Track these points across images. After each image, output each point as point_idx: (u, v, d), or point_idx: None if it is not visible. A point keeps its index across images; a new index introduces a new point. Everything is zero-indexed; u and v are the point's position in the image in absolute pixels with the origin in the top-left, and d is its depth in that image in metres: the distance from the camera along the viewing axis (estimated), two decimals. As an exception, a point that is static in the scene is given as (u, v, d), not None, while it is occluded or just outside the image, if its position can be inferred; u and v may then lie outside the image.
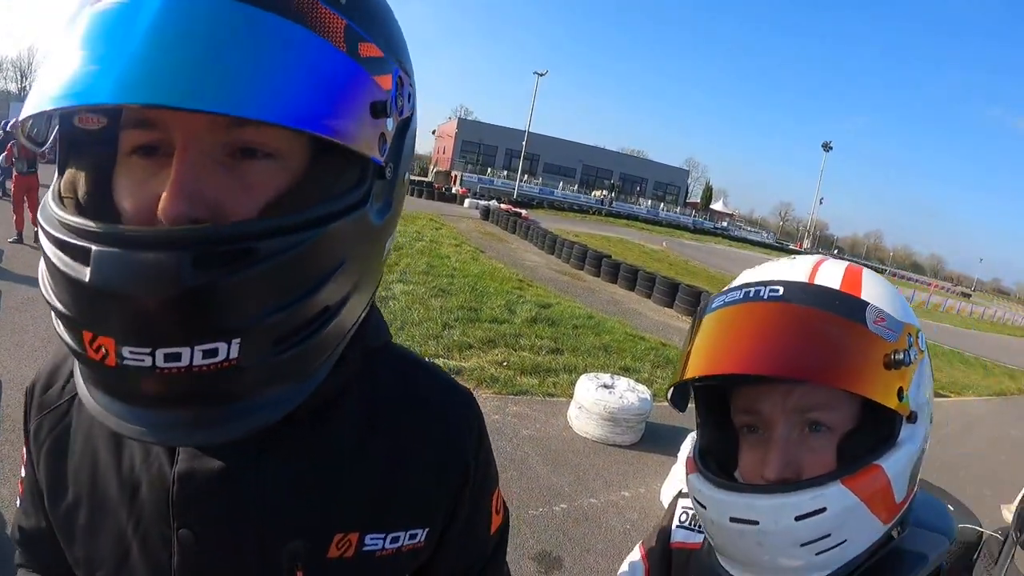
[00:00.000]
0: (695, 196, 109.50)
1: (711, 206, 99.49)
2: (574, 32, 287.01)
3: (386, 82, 0.70)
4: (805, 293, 0.85)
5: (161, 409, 0.64)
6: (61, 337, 0.64)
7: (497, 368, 8.13)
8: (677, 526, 1.17)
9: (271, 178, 0.66)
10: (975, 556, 4.36)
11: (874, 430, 0.85)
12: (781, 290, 0.86)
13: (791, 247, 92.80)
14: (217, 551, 0.78)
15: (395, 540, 0.87)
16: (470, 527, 0.98)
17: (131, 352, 0.58)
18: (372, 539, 0.85)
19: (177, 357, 0.59)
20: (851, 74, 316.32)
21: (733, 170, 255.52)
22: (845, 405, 0.86)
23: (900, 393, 0.82)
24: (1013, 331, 45.19)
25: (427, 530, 0.90)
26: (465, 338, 9.16)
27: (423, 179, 61.49)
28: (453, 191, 47.72)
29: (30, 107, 0.57)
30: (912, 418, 0.85)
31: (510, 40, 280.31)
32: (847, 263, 0.95)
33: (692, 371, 0.88)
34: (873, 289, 0.89)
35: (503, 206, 35.40)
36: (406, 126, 0.77)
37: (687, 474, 0.95)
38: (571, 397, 7.05)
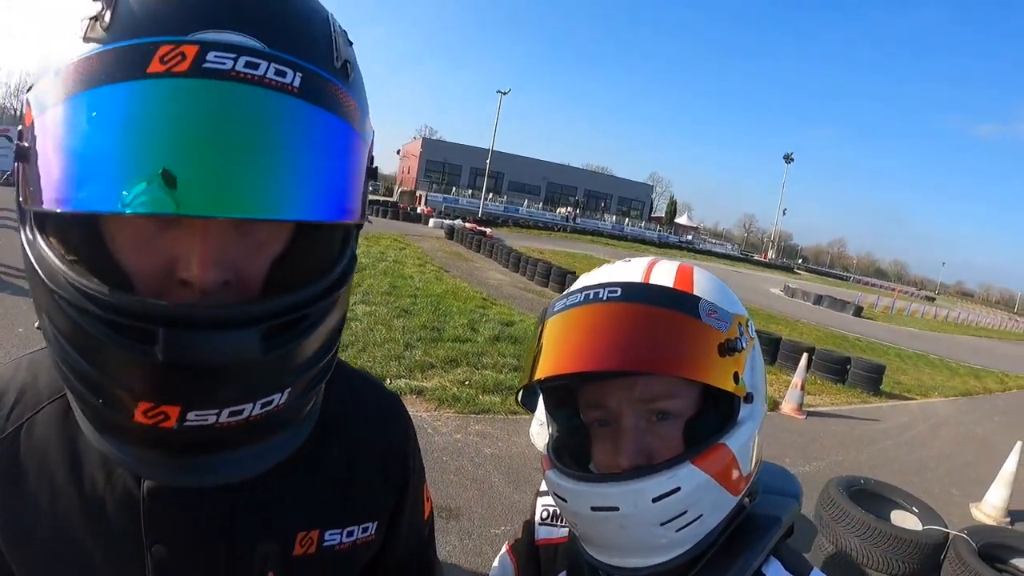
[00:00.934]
0: (660, 211, 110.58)
1: (676, 220, 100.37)
2: (537, 52, 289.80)
3: (371, 147, 0.75)
4: (641, 292, 0.91)
5: (202, 455, 0.71)
6: (90, 403, 0.67)
7: (459, 387, 8.07)
8: (539, 523, 1.21)
9: (277, 236, 0.70)
10: (942, 556, 4.35)
11: (716, 413, 0.92)
12: (619, 291, 0.91)
13: (756, 258, 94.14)
14: (192, 563, 0.81)
15: (350, 534, 0.94)
16: (412, 516, 1.08)
17: (196, 415, 0.63)
18: (331, 535, 0.92)
19: (240, 412, 0.65)
20: (813, 87, 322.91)
21: (697, 184, 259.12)
22: (686, 392, 0.92)
23: (736, 377, 0.89)
24: (977, 332, 45.98)
25: (377, 523, 0.98)
26: (427, 358, 9.08)
27: (388, 199, 61.54)
28: (418, 211, 47.72)
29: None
30: (749, 398, 0.92)
31: (474, 60, 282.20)
32: (679, 262, 1.02)
33: (541, 372, 0.91)
34: (704, 285, 0.95)
35: (468, 225, 35.49)
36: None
37: (544, 471, 0.99)
38: (532, 414, 6.90)
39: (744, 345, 0.91)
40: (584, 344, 0.90)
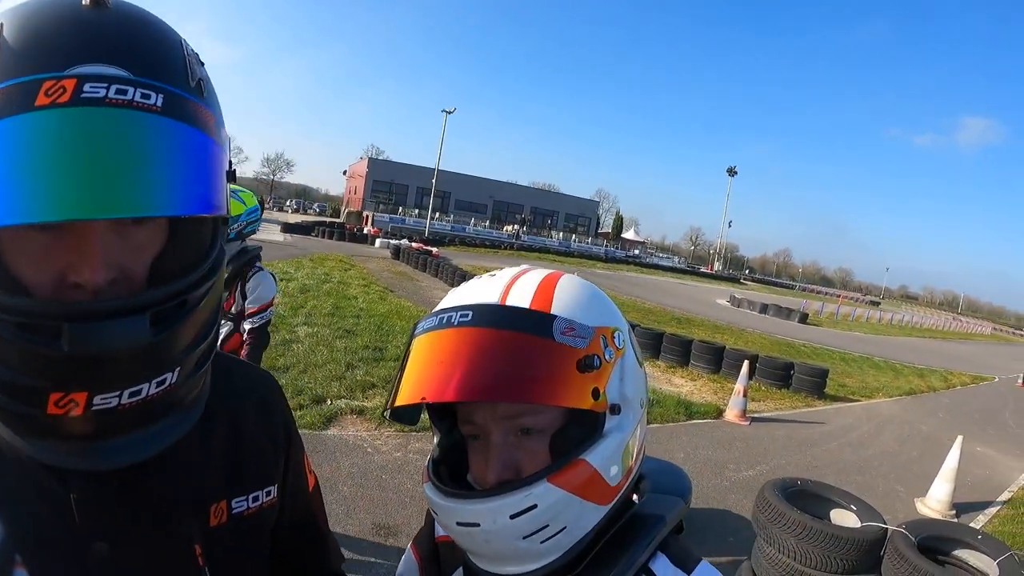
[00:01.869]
0: (606, 226, 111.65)
1: (622, 235, 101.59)
2: (482, 73, 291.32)
3: (228, 152, 0.84)
4: (493, 315, 0.90)
5: (110, 439, 0.80)
6: (5, 406, 0.73)
7: (401, 406, 7.88)
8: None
9: (152, 237, 0.77)
10: (881, 552, 4.37)
11: (580, 426, 0.91)
12: (471, 314, 0.90)
13: (703, 270, 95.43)
14: (132, 553, 0.86)
15: (256, 499, 1.03)
16: (298, 480, 1.16)
17: (102, 399, 0.72)
18: (237, 503, 1.00)
19: (139, 392, 0.75)
20: (753, 104, 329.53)
21: (643, 199, 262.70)
22: (550, 408, 0.91)
23: (596, 392, 0.88)
24: (921, 333, 47.52)
25: (276, 486, 1.08)
26: (369, 378, 9.00)
27: (335, 220, 61.07)
28: (365, 231, 47.29)
29: None
30: (615, 410, 0.92)
31: (420, 81, 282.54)
32: (546, 273, 1.01)
33: (400, 399, 0.91)
34: (565, 299, 0.93)
35: (414, 245, 35.34)
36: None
37: (423, 483, 0.99)
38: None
39: (608, 358, 0.91)
40: (434, 373, 0.89)
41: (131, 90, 0.68)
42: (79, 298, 0.71)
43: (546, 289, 0.95)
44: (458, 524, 0.90)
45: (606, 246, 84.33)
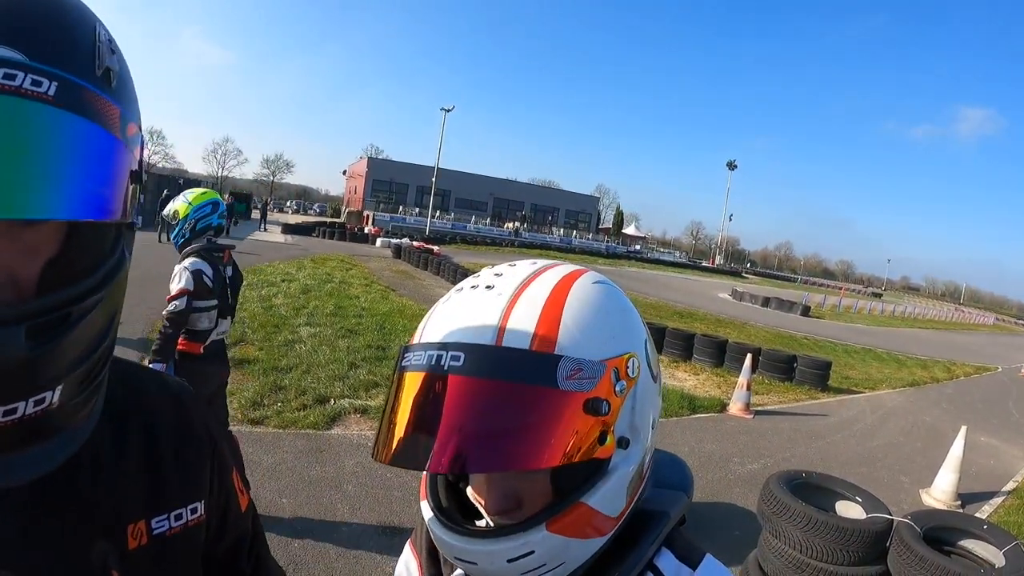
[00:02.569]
0: (607, 222, 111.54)
1: (623, 230, 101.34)
2: (481, 71, 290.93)
3: (138, 152, 0.77)
4: (488, 361, 0.80)
5: None
6: None
7: (404, 404, 7.90)
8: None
9: (47, 240, 0.71)
10: (887, 543, 4.37)
11: (586, 462, 0.84)
12: (462, 358, 0.81)
13: (704, 264, 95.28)
14: None
15: (179, 517, 0.96)
16: (226, 498, 1.08)
17: None
18: (158, 522, 0.93)
19: (14, 411, 0.67)
20: (751, 98, 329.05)
21: (644, 194, 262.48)
22: None
23: (603, 436, 0.82)
24: (924, 324, 47.34)
25: (204, 502, 1.00)
26: (371, 376, 9.01)
27: (335, 220, 61.05)
28: (365, 231, 47.31)
29: None
30: (624, 443, 0.86)
31: (418, 79, 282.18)
32: (555, 282, 0.91)
33: (386, 459, 0.83)
34: (574, 329, 0.84)
35: (415, 244, 35.27)
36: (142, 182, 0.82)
37: (421, 497, 0.96)
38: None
39: (619, 392, 0.83)
40: (415, 437, 0.81)
41: (21, 75, 0.61)
42: None
43: (553, 309, 0.85)
44: (455, 557, 0.87)
45: (607, 242, 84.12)
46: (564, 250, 61.47)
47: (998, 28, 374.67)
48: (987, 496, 8.33)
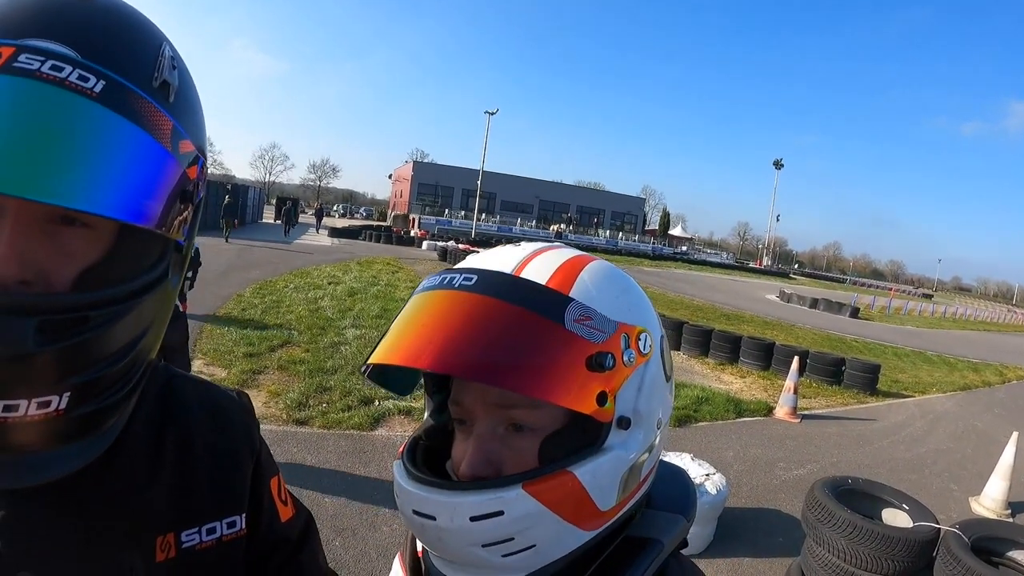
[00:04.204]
0: (653, 223, 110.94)
1: (669, 232, 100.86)
2: (524, 73, 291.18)
3: (193, 172, 0.78)
4: (500, 285, 0.78)
5: None
6: None
7: (449, 406, 7.97)
8: None
9: (87, 247, 0.72)
10: (934, 553, 4.30)
11: (579, 433, 0.79)
12: (475, 279, 0.79)
13: (751, 265, 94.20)
14: None
15: (212, 531, 0.95)
16: (260, 504, 1.06)
17: None
18: (188, 535, 0.93)
19: (15, 408, 0.67)
20: (796, 97, 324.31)
21: (690, 195, 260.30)
22: (548, 405, 0.77)
23: (602, 397, 0.75)
24: (976, 326, 46.03)
25: (243, 515, 1.00)
26: (417, 379, 8.98)
27: (382, 223, 61.65)
28: (411, 234, 47.80)
29: None
30: (623, 423, 0.79)
31: (462, 82, 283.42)
32: (573, 255, 0.87)
33: (375, 357, 0.80)
34: (589, 285, 0.81)
35: (461, 246, 35.44)
36: (200, 204, 0.85)
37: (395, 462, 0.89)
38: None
39: (627, 361, 0.78)
40: (416, 335, 0.78)
41: (68, 69, 0.64)
42: None
43: (570, 269, 0.82)
44: (414, 512, 0.78)
45: (653, 243, 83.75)
46: (610, 251, 61.14)
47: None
48: (1041, 505, 8.11)
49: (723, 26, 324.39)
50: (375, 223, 65.11)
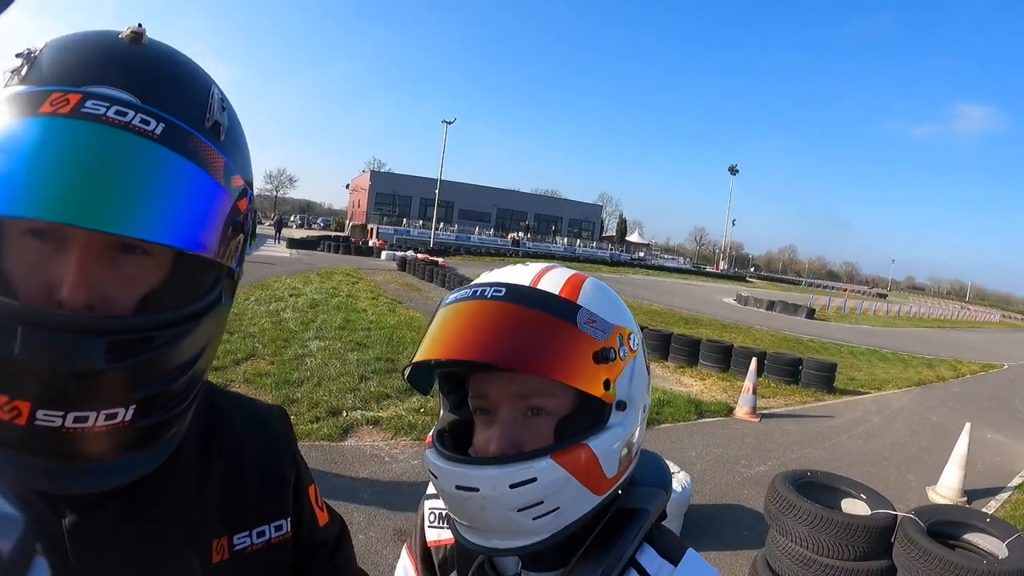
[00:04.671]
0: (610, 230, 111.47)
1: (627, 238, 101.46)
2: (480, 82, 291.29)
3: (243, 204, 0.85)
4: (524, 295, 0.96)
5: (52, 459, 0.77)
6: None
7: (414, 415, 8.08)
8: (428, 526, 1.25)
9: (147, 273, 0.79)
10: (892, 538, 4.48)
11: (587, 415, 0.97)
12: (504, 291, 0.96)
13: (708, 269, 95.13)
14: None
15: (261, 535, 1.04)
16: (310, 516, 1.16)
17: (45, 415, 0.70)
18: (239, 538, 1.01)
19: (84, 419, 0.72)
20: (752, 101, 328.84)
21: (646, 201, 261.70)
22: (561, 393, 0.97)
23: (607, 384, 0.94)
24: (929, 323, 47.13)
25: (289, 519, 1.09)
26: (382, 388, 9.09)
27: (340, 234, 61.17)
28: (370, 244, 47.54)
29: None
30: (621, 406, 0.98)
31: (419, 93, 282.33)
32: (572, 272, 1.06)
33: (422, 355, 0.98)
34: (590, 296, 1.01)
35: (420, 256, 35.26)
36: (249, 234, 0.92)
37: (425, 450, 1.04)
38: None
39: (622, 356, 0.97)
40: (463, 335, 0.95)
41: (131, 113, 0.71)
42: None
43: (574, 284, 1.01)
44: (457, 488, 0.93)
45: (611, 250, 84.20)
46: (568, 259, 61.43)
47: (996, 27, 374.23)
48: (993, 492, 8.41)
49: (679, 33, 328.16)
50: (333, 233, 64.58)
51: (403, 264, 32.28)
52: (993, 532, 4.43)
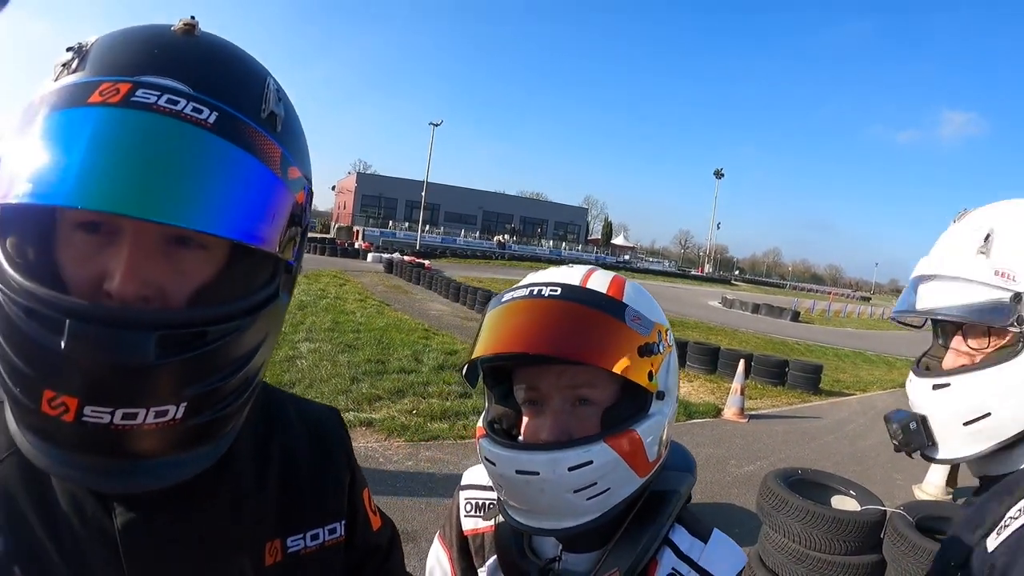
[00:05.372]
0: (596, 233, 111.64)
1: (612, 241, 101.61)
2: (467, 84, 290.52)
3: (301, 197, 0.85)
4: (578, 293, 1.05)
5: (102, 457, 0.75)
6: (11, 394, 0.71)
7: (407, 416, 8.12)
8: (465, 516, 1.33)
9: (201, 266, 0.77)
10: (882, 533, 4.59)
11: (631, 404, 1.05)
12: (559, 290, 1.05)
13: (693, 272, 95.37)
14: None
15: (315, 537, 1.02)
16: (363, 519, 1.15)
17: (93, 411, 0.68)
18: (293, 541, 0.99)
19: (133, 416, 0.70)
20: (736, 105, 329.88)
21: (632, 204, 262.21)
22: (607, 384, 1.05)
23: (650, 375, 1.03)
24: (913, 325, 47.19)
25: (344, 522, 1.07)
26: (374, 390, 9.12)
27: (325, 236, 60.93)
28: (356, 246, 47.37)
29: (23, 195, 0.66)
30: (660, 396, 1.06)
31: (405, 95, 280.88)
32: (614, 274, 1.16)
33: (486, 350, 1.05)
34: (633, 295, 1.10)
35: (406, 258, 35.18)
36: (307, 228, 0.91)
37: (478, 439, 1.11)
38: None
39: (661, 350, 1.05)
40: (526, 330, 1.02)
41: (183, 102, 0.69)
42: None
43: (618, 284, 1.10)
44: (517, 472, 1.00)
45: (596, 252, 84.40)
46: (554, 261, 60.32)
47: (976, 32, 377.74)
48: (977, 490, 8.51)
49: (664, 37, 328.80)
50: (318, 235, 64.35)
51: (390, 266, 32.29)
52: (979, 527, 4.52)
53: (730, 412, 10.55)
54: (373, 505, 1.21)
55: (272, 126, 0.81)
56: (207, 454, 0.84)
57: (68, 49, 0.75)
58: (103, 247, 0.72)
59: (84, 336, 0.65)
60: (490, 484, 1.16)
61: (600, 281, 1.10)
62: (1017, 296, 1.16)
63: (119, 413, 0.69)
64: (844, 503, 4.96)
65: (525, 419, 1.11)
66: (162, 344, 0.69)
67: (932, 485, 8.03)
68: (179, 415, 0.73)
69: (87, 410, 0.67)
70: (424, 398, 9.05)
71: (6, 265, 0.69)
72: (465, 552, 1.29)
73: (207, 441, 0.83)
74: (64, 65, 0.74)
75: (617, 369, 0.99)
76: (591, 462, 0.98)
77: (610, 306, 1.04)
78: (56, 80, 0.73)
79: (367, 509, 1.18)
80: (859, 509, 4.72)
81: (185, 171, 0.69)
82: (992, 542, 1.09)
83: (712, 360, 14.10)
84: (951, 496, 7.92)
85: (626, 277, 1.16)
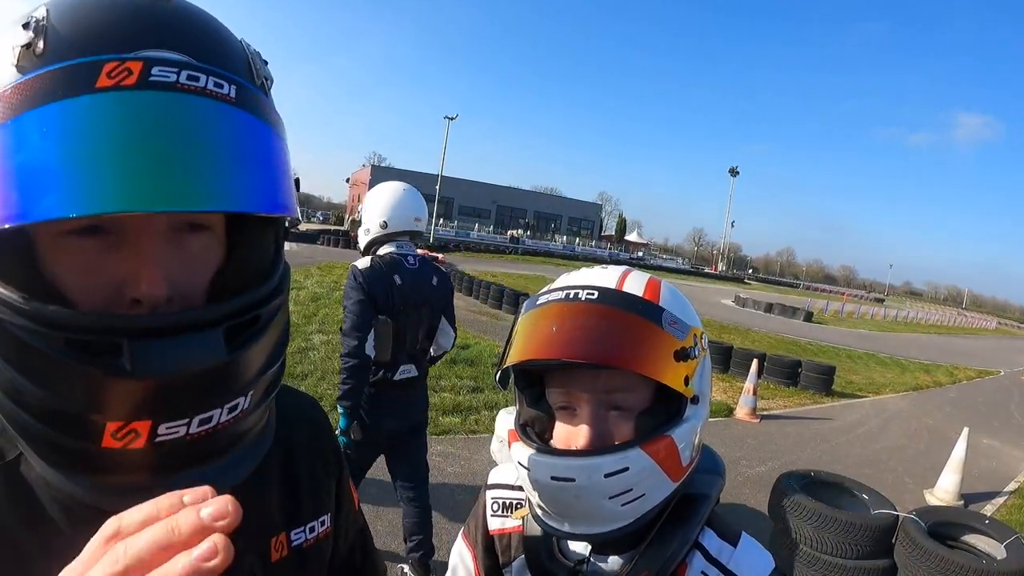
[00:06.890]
0: (609, 229, 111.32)
1: (626, 237, 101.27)
2: (483, 79, 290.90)
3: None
4: (615, 297, 1.03)
5: (174, 474, 0.67)
6: (49, 440, 0.64)
7: (419, 410, 8.04)
8: (491, 515, 1.31)
9: (210, 249, 0.73)
10: (894, 538, 4.55)
11: (665, 409, 1.04)
12: (596, 294, 1.03)
13: (706, 270, 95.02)
14: None
15: (312, 530, 0.99)
16: (348, 505, 1.12)
17: (167, 428, 0.63)
18: (296, 534, 0.96)
19: (209, 420, 0.66)
20: (753, 105, 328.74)
21: (646, 201, 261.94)
22: (642, 389, 1.04)
23: (686, 380, 1.01)
24: (927, 329, 47.10)
25: (330, 514, 1.03)
26: (386, 382, 9.01)
27: (339, 228, 61.01)
28: (370, 239, 46.85)
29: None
30: (695, 400, 1.05)
31: (421, 89, 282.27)
32: (650, 275, 1.13)
33: (522, 355, 1.03)
34: (669, 298, 1.07)
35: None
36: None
37: (511, 443, 1.11)
38: (493, 432, 7.01)
39: (696, 354, 1.04)
40: (563, 335, 1.00)
41: (203, 77, 0.62)
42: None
43: (654, 287, 1.08)
44: (552, 478, 0.99)
45: (610, 249, 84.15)
46: (567, 257, 61.24)
47: (993, 35, 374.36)
48: (989, 496, 8.49)
49: (684, 35, 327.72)
50: (332, 227, 64.42)
51: (403, 260, 31.66)
52: (991, 534, 4.54)
53: (742, 412, 10.51)
54: (351, 485, 1.18)
55: (265, 91, 0.76)
56: (266, 438, 0.84)
57: (24, 26, 0.61)
58: (109, 248, 0.65)
59: (151, 353, 0.60)
60: (517, 484, 1.16)
61: (636, 283, 1.08)
62: None
63: (196, 421, 0.65)
64: (857, 506, 4.95)
65: (559, 423, 1.09)
66: (228, 338, 0.66)
67: (944, 491, 7.98)
68: (247, 405, 0.71)
69: (161, 429, 0.63)
70: (436, 392, 8.98)
71: (16, 296, 0.61)
72: (491, 551, 1.28)
73: (264, 426, 0.83)
74: (26, 46, 0.60)
75: (654, 375, 0.98)
76: (627, 468, 0.98)
77: (647, 310, 1.02)
78: (18, 64, 0.60)
79: (352, 492, 1.16)
80: (872, 513, 4.71)
81: (228, 153, 0.63)
82: None
83: (725, 359, 14.04)
84: (962, 503, 7.89)
85: (662, 279, 1.14)
